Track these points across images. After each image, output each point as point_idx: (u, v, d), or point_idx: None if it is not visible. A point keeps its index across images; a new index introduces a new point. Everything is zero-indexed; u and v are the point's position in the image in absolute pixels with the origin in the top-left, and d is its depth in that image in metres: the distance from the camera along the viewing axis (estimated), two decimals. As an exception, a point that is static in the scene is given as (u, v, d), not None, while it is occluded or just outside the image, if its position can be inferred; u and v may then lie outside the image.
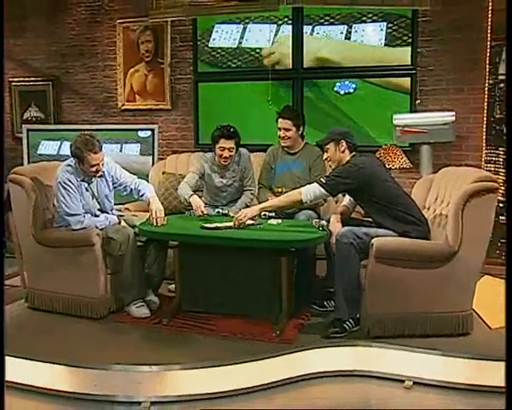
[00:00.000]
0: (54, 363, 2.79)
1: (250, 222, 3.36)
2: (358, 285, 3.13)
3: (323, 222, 3.28)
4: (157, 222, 3.39)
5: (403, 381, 2.81)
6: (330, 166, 3.40)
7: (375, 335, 3.06)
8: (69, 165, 3.46)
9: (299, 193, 3.24)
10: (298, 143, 3.88)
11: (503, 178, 4.12)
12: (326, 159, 3.39)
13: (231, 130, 3.76)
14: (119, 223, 3.58)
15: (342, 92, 4.82)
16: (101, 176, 3.52)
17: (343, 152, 3.30)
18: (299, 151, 3.89)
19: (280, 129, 3.85)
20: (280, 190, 3.83)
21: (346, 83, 4.82)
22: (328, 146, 3.34)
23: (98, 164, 3.39)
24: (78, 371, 2.76)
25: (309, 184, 3.61)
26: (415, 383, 2.80)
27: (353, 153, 3.32)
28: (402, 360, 2.89)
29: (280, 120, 3.85)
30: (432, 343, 2.95)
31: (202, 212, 3.60)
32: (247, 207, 3.87)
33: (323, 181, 3.20)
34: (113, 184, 3.62)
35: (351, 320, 3.15)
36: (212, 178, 3.92)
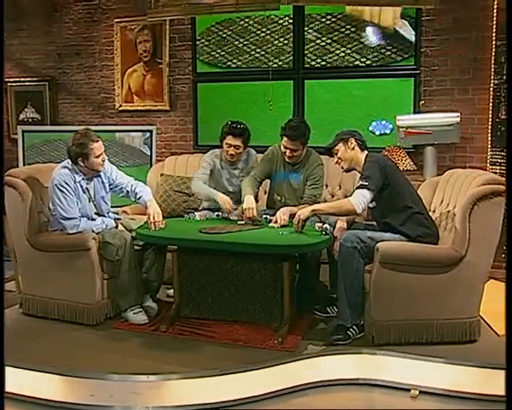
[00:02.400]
0: (48, 372, 2.71)
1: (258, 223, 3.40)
2: (362, 291, 3.07)
3: (326, 226, 3.19)
4: (155, 226, 3.30)
5: (409, 390, 2.74)
6: (342, 168, 3.30)
7: (380, 342, 3.00)
8: (65, 167, 3.39)
9: (351, 204, 3.04)
10: (301, 156, 3.70)
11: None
12: (337, 162, 3.29)
13: (240, 127, 3.73)
14: (116, 226, 3.51)
15: (378, 133, 4.64)
16: (98, 176, 3.46)
17: (353, 149, 3.22)
18: (300, 161, 3.71)
19: (286, 147, 3.60)
20: (279, 198, 3.76)
21: (383, 123, 4.66)
22: (336, 147, 3.26)
23: (102, 154, 3.36)
24: (74, 381, 2.68)
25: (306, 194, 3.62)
26: (421, 392, 2.73)
27: (365, 152, 3.25)
28: (407, 369, 2.82)
29: (286, 139, 3.57)
30: (438, 351, 2.89)
31: (229, 208, 3.60)
32: None
33: (366, 184, 3.05)
34: (109, 185, 3.55)
35: (354, 327, 3.10)
36: (221, 174, 3.90)
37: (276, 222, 3.37)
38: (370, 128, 4.65)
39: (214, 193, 3.71)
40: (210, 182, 3.88)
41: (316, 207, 3.25)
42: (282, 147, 3.66)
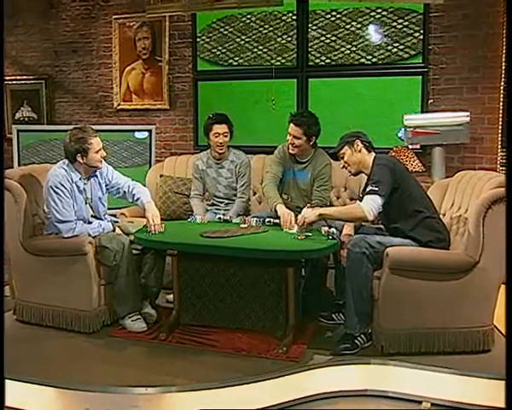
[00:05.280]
0: (41, 384, 2.60)
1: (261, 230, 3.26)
2: (370, 298, 2.96)
3: (333, 230, 3.07)
4: (154, 230, 3.19)
5: (420, 402, 2.64)
6: (350, 172, 3.19)
7: (389, 352, 2.89)
8: (61, 167, 3.29)
9: (362, 211, 2.92)
10: (307, 152, 3.60)
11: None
12: (343, 166, 3.18)
13: (223, 114, 3.85)
14: (114, 230, 3.40)
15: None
16: (94, 176, 3.38)
17: (360, 151, 3.10)
18: (307, 160, 3.62)
19: (289, 134, 3.55)
20: (286, 197, 3.67)
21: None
22: (342, 151, 3.14)
23: (101, 149, 3.29)
24: (68, 394, 2.57)
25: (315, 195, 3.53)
26: (432, 404, 2.63)
27: (372, 153, 3.13)
28: (418, 380, 2.72)
29: (291, 124, 3.52)
30: (450, 361, 2.79)
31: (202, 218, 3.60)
32: (239, 215, 3.69)
33: (376, 189, 2.92)
34: (105, 185, 3.46)
35: (362, 336, 3.00)
36: (208, 174, 3.94)
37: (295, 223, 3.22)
38: (399, 134, 4.44)
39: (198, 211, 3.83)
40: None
41: (323, 211, 3.13)
42: (287, 137, 3.59)
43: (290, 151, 3.59)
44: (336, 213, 3.12)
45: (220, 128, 3.78)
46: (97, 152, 3.27)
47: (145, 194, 3.45)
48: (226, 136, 3.80)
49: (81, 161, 3.25)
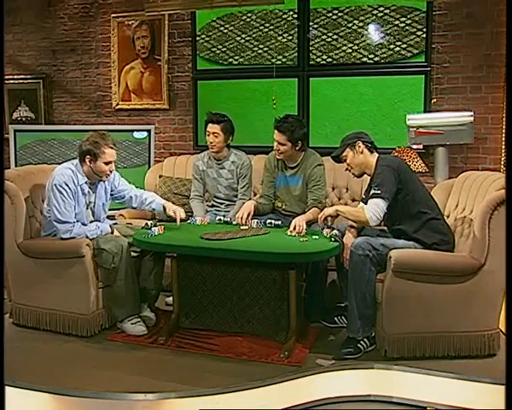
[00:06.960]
0: (37, 390, 2.54)
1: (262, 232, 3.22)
2: (374, 301, 2.91)
3: (335, 232, 3.02)
4: (181, 220, 3.32)
5: (424, 407, 2.55)
6: (353, 174, 3.15)
7: (393, 356, 2.87)
8: (69, 167, 3.24)
9: (365, 215, 2.90)
10: (295, 157, 3.55)
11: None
12: (347, 169, 3.14)
13: (217, 114, 3.78)
14: (112, 232, 3.34)
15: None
16: (101, 181, 3.34)
17: (362, 153, 3.06)
18: (297, 165, 3.57)
19: (274, 140, 3.51)
20: (280, 204, 3.64)
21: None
22: (344, 154, 3.11)
23: (111, 162, 3.23)
24: (65, 400, 2.52)
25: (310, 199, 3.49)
26: (437, 409, 2.52)
27: (375, 154, 3.09)
28: (423, 385, 2.67)
29: (275, 131, 3.48)
30: (455, 366, 2.76)
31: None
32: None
33: (379, 192, 2.90)
34: (111, 191, 3.44)
35: (365, 339, 2.96)
36: (208, 174, 3.90)
37: (293, 230, 3.16)
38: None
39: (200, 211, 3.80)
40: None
41: (340, 208, 3.14)
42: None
43: (277, 157, 3.57)
44: (347, 213, 3.07)
45: (211, 128, 3.74)
46: (107, 164, 3.21)
47: (156, 197, 3.52)
48: (216, 136, 3.72)
49: (89, 164, 3.21)
